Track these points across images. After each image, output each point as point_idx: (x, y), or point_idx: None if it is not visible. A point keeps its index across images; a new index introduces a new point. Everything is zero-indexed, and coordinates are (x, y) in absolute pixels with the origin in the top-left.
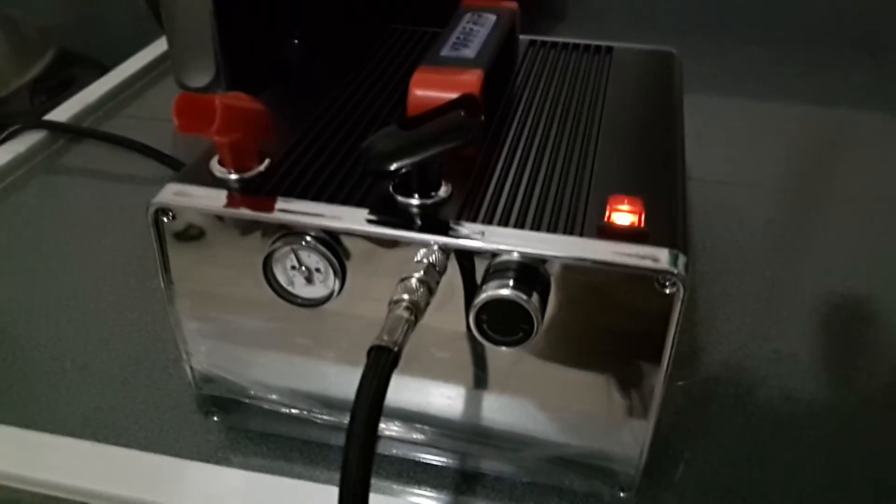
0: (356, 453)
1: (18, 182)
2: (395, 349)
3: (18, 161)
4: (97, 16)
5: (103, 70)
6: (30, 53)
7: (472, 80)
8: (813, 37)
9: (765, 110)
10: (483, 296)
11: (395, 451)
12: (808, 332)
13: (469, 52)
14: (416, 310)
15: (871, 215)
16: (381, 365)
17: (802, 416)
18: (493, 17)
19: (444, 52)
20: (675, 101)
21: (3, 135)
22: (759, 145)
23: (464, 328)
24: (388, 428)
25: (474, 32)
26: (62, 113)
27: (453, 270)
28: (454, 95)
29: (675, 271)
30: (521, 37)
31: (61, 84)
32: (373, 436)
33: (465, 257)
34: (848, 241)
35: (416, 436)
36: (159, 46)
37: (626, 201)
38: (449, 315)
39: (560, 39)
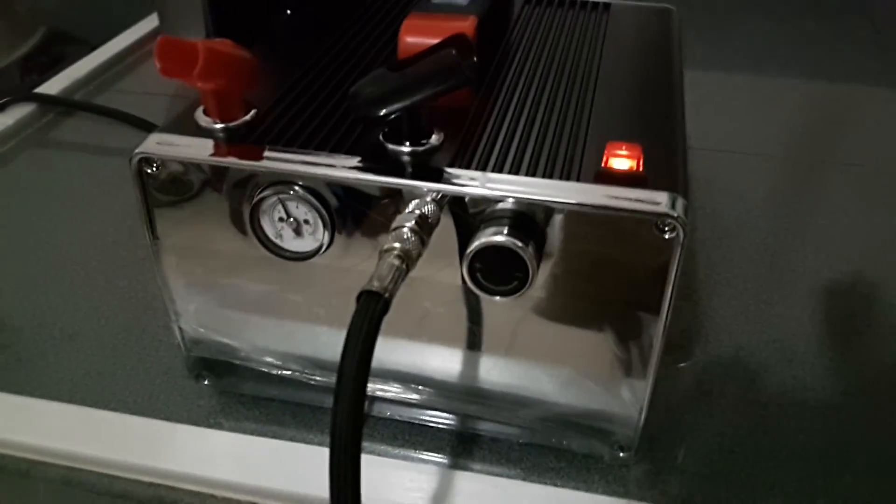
0: (346, 398)
1: (8, 155)
2: (386, 295)
3: (8, 134)
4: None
5: (93, 49)
6: (20, 31)
7: (465, 25)
8: (814, 7)
9: (764, 81)
10: (477, 243)
11: (389, 414)
12: (810, 297)
13: (462, 0)
14: (408, 259)
15: (871, 184)
16: (372, 310)
17: (805, 379)
18: None
19: None
20: (673, 55)
21: None
22: (759, 115)
23: (459, 282)
24: (383, 389)
25: None
26: (52, 87)
27: (448, 224)
28: None
29: (675, 214)
30: None
31: (51, 62)
32: (363, 380)
33: (459, 205)
34: (849, 209)
35: (412, 397)
36: (150, 22)
37: (624, 147)
38: (443, 269)
39: None
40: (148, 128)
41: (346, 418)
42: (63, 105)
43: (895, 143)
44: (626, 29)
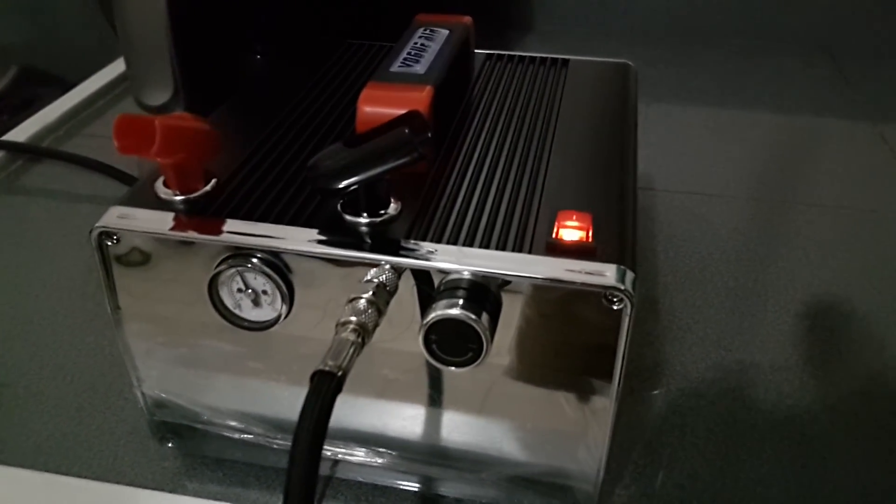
0: (298, 481)
1: None
2: (339, 374)
3: None
4: (61, 35)
5: (67, 88)
6: None
7: (420, 96)
8: (776, 44)
9: (729, 118)
10: (432, 315)
11: (352, 476)
12: (771, 342)
13: (419, 68)
14: (364, 332)
15: (835, 223)
16: (324, 391)
17: (765, 424)
18: (445, 32)
19: (394, 67)
20: (628, 113)
21: None
22: (722, 154)
23: (419, 348)
24: (346, 452)
25: (426, 48)
26: (21, 132)
27: (407, 290)
28: (403, 112)
29: (623, 287)
30: (478, 51)
31: (24, 102)
32: (315, 462)
33: (416, 276)
34: (811, 249)
35: (376, 460)
36: (120, 65)
37: (574, 217)
38: (404, 335)
39: (517, 53)
40: (115, 175)
41: (299, 497)
42: (32, 153)
43: (856, 180)
44: (583, 86)
